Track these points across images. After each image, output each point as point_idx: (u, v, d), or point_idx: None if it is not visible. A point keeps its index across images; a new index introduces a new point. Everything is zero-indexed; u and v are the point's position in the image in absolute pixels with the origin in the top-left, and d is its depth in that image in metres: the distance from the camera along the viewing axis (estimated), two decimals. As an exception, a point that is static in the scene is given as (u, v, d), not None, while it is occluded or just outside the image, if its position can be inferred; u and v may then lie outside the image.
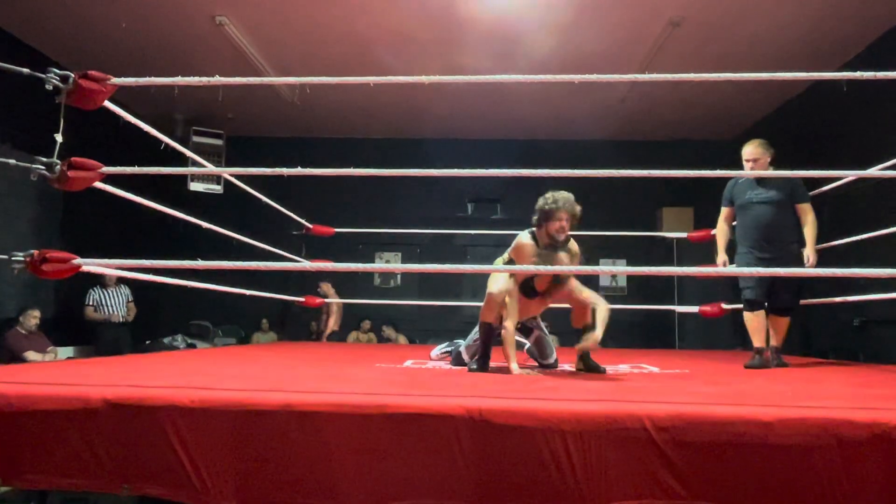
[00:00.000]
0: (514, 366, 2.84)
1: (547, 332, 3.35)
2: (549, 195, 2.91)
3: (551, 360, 3.30)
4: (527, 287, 2.95)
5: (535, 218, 2.98)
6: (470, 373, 2.92)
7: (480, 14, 5.74)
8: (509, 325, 2.94)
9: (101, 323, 6.65)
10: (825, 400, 1.97)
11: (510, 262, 3.05)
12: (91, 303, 6.66)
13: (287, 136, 9.22)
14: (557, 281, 2.88)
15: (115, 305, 6.72)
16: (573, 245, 3.02)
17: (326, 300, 7.07)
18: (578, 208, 2.92)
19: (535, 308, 3.13)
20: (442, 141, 9.05)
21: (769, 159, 3.73)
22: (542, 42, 6.14)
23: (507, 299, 2.94)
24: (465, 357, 3.30)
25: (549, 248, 2.91)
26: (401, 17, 5.85)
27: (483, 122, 8.54)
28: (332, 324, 7.99)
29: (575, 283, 2.98)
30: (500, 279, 3.01)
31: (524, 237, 3.03)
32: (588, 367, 3.04)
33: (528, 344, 3.42)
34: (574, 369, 3.16)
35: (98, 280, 6.61)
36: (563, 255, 2.90)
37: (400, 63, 6.58)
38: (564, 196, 2.89)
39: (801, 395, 2.13)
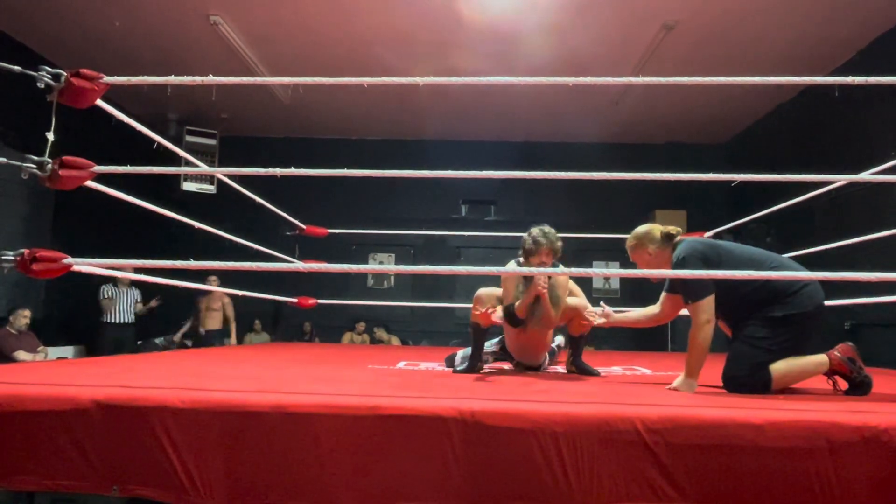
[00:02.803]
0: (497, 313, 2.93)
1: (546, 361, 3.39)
2: (533, 232, 2.92)
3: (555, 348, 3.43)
4: (510, 315, 2.98)
5: (521, 251, 3.00)
6: (455, 374, 2.92)
7: (476, 16, 5.75)
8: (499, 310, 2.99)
9: (105, 322, 6.62)
10: (815, 403, 1.98)
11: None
12: (108, 296, 6.64)
13: (281, 136, 9.21)
14: (536, 310, 2.92)
15: (123, 306, 6.70)
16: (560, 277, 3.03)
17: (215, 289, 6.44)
18: (559, 244, 2.92)
19: (527, 342, 3.14)
20: (437, 142, 9.06)
21: (645, 252, 2.60)
22: (538, 45, 6.15)
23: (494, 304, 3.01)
24: (458, 359, 3.30)
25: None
26: (396, 18, 5.85)
27: (478, 124, 8.55)
28: (233, 328, 7.40)
29: (570, 299, 3.02)
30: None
31: (510, 267, 3.06)
32: (580, 369, 3.05)
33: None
34: (565, 371, 3.17)
35: (110, 278, 6.58)
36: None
37: (394, 64, 6.58)
38: (546, 234, 2.90)
39: (791, 398, 2.14)
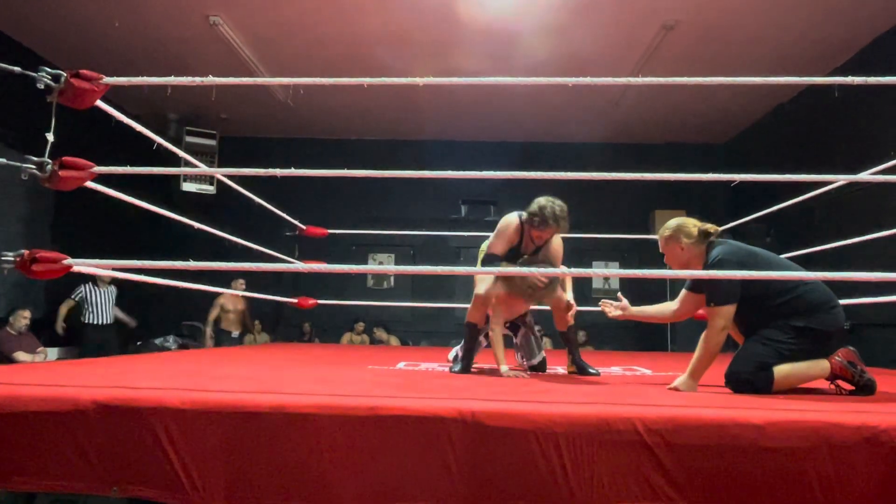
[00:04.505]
0: (503, 368, 2.84)
1: (537, 331, 3.33)
2: (549, 206, 2.89)
3: (536, 361, 3.24)
4: (512, 255, 2.98)
5: (528, 213, 2.97)
6: (452, 374, 2.91)
7: (476, 16, 5.75)
8: (496, 326, 2.94)
9: (85, 323, 6.58)
10: (815, 403, 1.98)
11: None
12: (75, 298, 6.56)
13: (280, 136, 9.21)
14: (537, 251, 2.95)
15: (103, 305, 6.65)
16: (556, 238, 3.07)
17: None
18: (566, 223, 2.92)
19: (522, 302, 3.12)
20: (437, 142, 9.06)
21: (678, 245, 2.53)
22: (538, 45, 6.15)
23: (493, 300, 2.95)
24: (451, 358, 3.30)
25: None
26: (395, 18, 5.85)
27: (478, 124, 8.54)
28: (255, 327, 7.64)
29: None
30: (487, 279, 3.02)
31: (512, 219, 3.05)
32: (580, 369, 3.05)
33: (515, 340, 3.35)
34: (566, 372, 3.16)
35: (90, 278, 6.55)
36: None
37: (395, 64, 6.58)
38: (561, 216, 2.89)
39: (791, 398, 2.14)
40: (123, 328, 7.00)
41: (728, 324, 2.32)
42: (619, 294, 2.84)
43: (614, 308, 2.77)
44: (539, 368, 3.21)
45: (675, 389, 2.31)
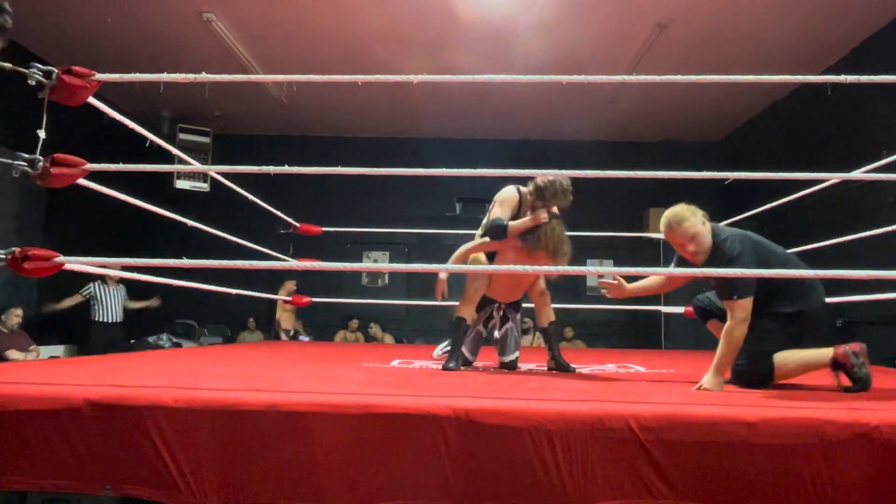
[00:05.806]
0: (442, 275, 3.03)
1: (520, 327, 3.34)
2: (558, 182, 2.97)
3: (507, 359, 3.24)
4: (496, 228, 3.03)
5: (535, 187, 3.03)
6: (445, 371, 2.91)
7: (473, 14, 5.74)
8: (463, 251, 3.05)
9: (94, 321, 6.56)
10: (808, 400, 1.99)
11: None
12: (84, 293, 6.56)
13: (275, 134, 9.17)
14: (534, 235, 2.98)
15: (112, 303, 6.65)
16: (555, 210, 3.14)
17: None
18: (571, 196, 3.03)
19: (521, 277, 3.13)
20: (432, 140, 9.04)
21: (696, 226, 2.50)
22: (533, 43, 6.15)
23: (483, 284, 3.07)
24: (437, 354, 3.32)
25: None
26: (391, 15, 5.84)
27: (474, 122, 8.54)
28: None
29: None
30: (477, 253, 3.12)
31: (511, 191, 3.12)
32: (559, 366, 3.07)
33: (496, 334, 3.33)
34: (546, 368, 3.18)
35: (99, 276, 6.53)
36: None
37: (390, 62, 6.56)
38: (567, 187, 2.99)
39: (785, 394, 2.15)
40: (142, 314, 7.02)
41: (748, 315, 2.35)
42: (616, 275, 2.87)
43: (613, 288, 2.78)
44: (510, 366, 3.22)
45: (705, 389, 2.28)
